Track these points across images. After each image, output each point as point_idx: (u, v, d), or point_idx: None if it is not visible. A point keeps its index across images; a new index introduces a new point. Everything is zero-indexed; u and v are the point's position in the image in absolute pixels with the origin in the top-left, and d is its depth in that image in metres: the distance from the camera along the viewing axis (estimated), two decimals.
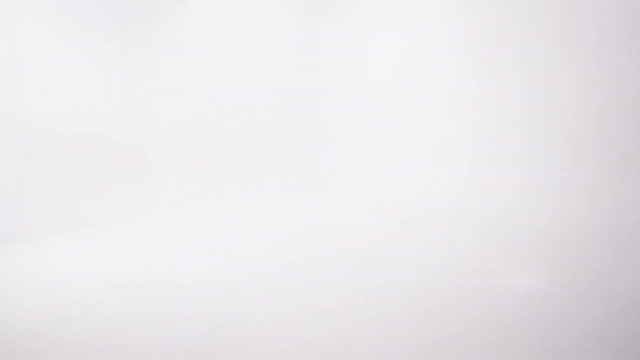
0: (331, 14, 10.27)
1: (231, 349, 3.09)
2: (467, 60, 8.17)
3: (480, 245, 5.68)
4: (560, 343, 3.09)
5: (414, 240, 6.01)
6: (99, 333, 3.38)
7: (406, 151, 9.10)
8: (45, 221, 7.02)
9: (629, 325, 3.35)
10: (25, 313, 3.78)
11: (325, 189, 9.76)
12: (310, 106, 10.50)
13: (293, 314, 3.66)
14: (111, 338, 3.30)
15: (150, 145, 8.48)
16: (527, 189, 7.43)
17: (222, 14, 9.27)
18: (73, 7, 7.51)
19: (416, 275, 4.59)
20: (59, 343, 3.23)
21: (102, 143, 7.89)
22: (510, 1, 7.65)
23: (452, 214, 7.43)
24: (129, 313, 3.74)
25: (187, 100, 8.91)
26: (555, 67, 7.21)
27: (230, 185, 9.24)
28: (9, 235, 6.52)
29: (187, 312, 3.75)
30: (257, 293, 4.16)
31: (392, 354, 2.99)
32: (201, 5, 8.98)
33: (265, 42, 9.90)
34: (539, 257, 5.15)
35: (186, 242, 6.09)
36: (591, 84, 6.87)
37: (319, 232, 6.57)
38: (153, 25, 8.40)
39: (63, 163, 7.50)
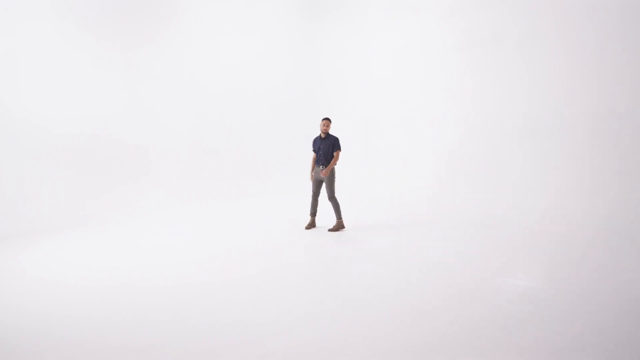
0: (331, 15, 10.28)
1: (231, 349, 3.09)
2: (465, 60, 8.18)
3: (478, 244, 5.69)
4: (556, 342, 3.10)
5: (411, 240, 6.01)
6: (99, 333, 3.38)
7: (404, 151, 9.10)
8: (45, 221, 7.02)
9: (626, 324, 3.36)
10: (25, 313, 3.79)
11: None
12: (310, 106, 10.49)
13: (293, 314, 3.66)
14: (111, 338, 3.30)
15: (151, 146, 8.48)
16: (524, 189, 7.43)
17: (222, 15, 9.27)
18: (73, 7, 7.51)
19: (414, 275, 4.59)
20: (59, 343, 3.23)
21: (102, 143, 7.89)
22: (507, 1, 7.65)
23: (449, 213, 7.44)
24: (129, 313, 3.74)
25: (188, 101, 8.91)
26: (553, 67, 7.21)
27: (231, 185, 9.24)
28: (9, 235, 6.53)
29: (188, 311, 3.75)
30: (257, 293, 4.16)
31: (391, 353, 2.99)
32: (202, 6, 8.98)
33: (265, 43, 9.90)
34: (536, 257, 5.15)
35: (186, 243, 6.09)
36: (589, 84, 6.87)
37: (318, 232, 6.57)
38: (154, 25, 8.40)
39: (63, 163, 7.51)
